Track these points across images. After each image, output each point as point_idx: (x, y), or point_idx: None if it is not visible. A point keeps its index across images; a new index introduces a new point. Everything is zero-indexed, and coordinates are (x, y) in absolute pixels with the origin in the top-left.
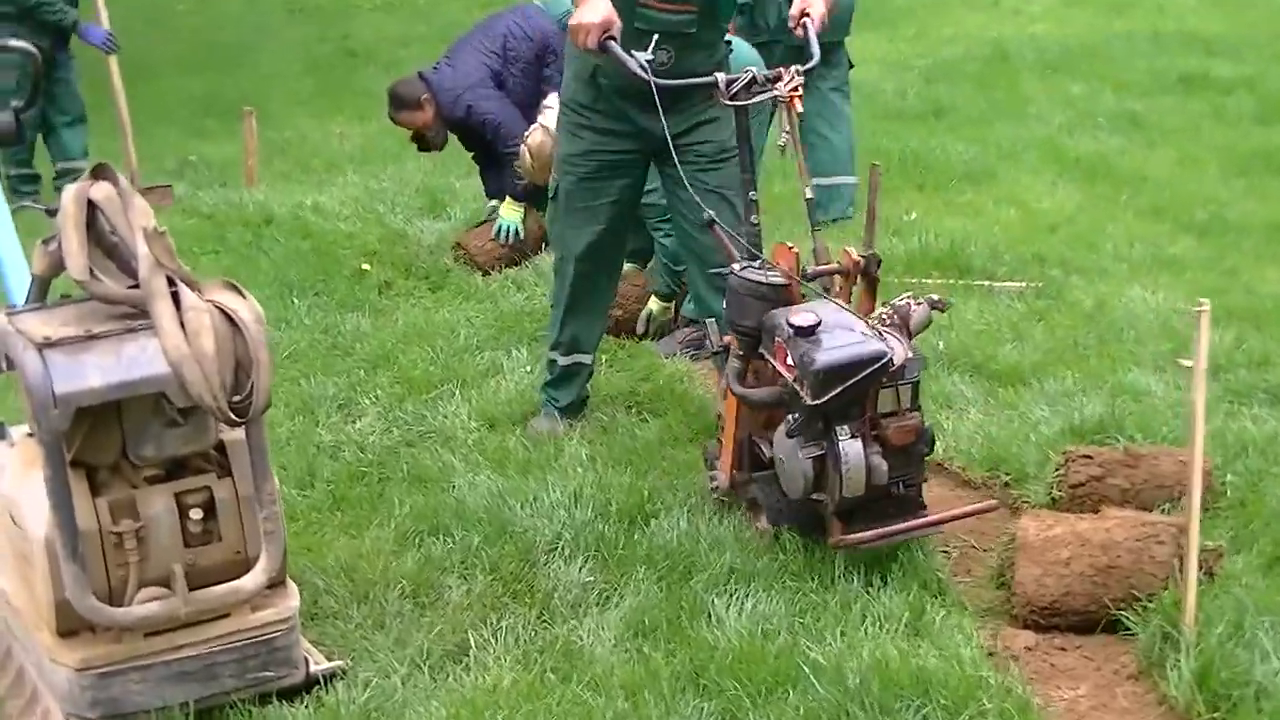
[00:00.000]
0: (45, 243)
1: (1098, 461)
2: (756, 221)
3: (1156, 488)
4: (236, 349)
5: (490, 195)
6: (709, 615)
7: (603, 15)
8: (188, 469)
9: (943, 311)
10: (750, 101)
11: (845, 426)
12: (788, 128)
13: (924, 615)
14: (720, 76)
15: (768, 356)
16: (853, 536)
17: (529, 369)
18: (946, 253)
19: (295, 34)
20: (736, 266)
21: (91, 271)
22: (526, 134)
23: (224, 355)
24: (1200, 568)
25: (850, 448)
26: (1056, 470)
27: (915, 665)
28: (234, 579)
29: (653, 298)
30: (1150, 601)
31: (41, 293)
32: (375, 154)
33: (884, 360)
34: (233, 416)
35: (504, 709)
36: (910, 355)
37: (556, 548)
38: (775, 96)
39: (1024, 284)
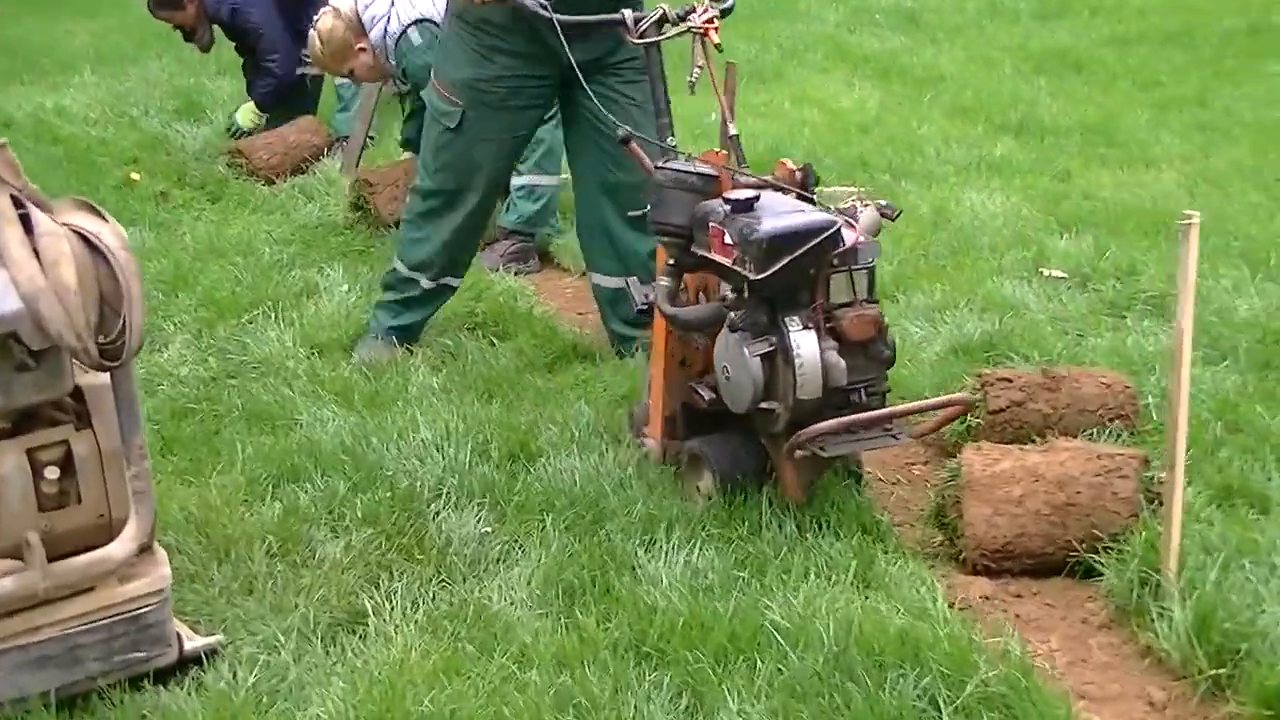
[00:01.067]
0: None
1: (1018, 385)
2: (671, 138)
3: (1080, 412)
4: (101, 280)
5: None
6: (634, 570)
7: None
8: (40, 420)
9: (892, 220)
10: (661, 38)
11: (795, 316)
12: (700, 62)
13: (873, 565)
14: (628, 14)
15: (700, 251)
16: (814, 428)
17: (346, 288)
18: (764, 158)
19: None
20: (660, 162)
21: None
22: (316, 17)
23: (87, 287)
24: (1151, 501)
25: (803, 339)
26: (975, 394)
27: (896, 627)
28: (97, 546)
29: None
30: (1117, 543)
31: None
32: (110, 53)
33: (833, 230)
34: (102, 360)
35: (421, 687)
36: (863, 240)
37: (441, 494)
38: (689, 29)
39: (856, 189)
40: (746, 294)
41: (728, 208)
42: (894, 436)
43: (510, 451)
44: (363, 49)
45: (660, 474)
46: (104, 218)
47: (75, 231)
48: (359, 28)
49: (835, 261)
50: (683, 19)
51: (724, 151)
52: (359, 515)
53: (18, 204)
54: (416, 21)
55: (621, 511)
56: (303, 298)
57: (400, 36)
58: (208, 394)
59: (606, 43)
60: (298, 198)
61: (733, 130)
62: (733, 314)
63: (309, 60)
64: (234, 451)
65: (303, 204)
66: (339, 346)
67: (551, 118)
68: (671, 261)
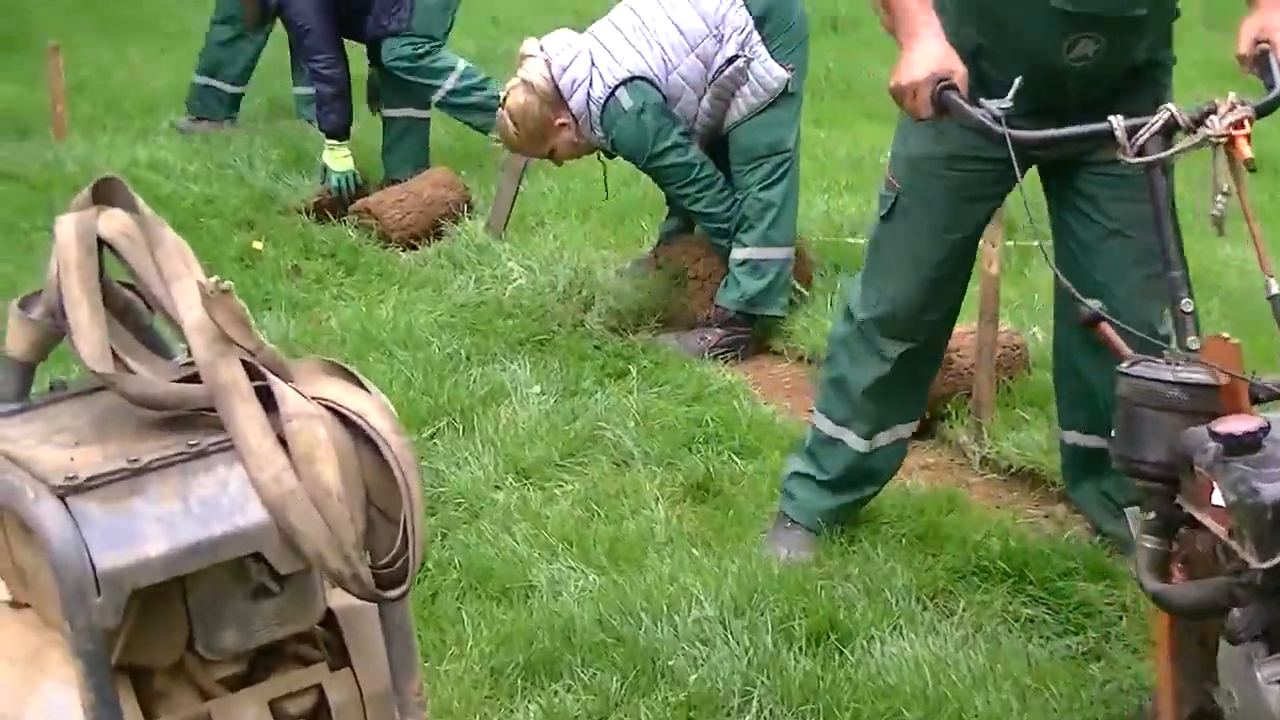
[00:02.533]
0: (24, 305)
1: None
2: (1190, 306)
3: None
4: (367, 477)
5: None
6: None
7: (932, 66)
8: (283, 658)
9: None
10: (1171, 154)
11: None
12: (1226, 187)
13: None
14: (1117, 123)
15: (1189, 506)
16: None
17: (539, 390)
18: None
19: None
20: (1126, 363)
21: (115, 355)
22: (504, 90)
23: (352, 489)
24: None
25: None
26: None
27: None
28: None
29: None
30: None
31: (24, 385)
32: None
33: None
34: (377, 591)
35: None
36: None
37: (751, 699)
38: (1209, 140)
39: None
40: (1252, 585)
41: (1218, 445)
42: None
43: (816, 630)
44: (564, 124)
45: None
46: (364, 386)
47: (331, 409)
48: (557, 99)
49: None
50: (1198, 123)
51: (1233, 339)
52: None
53: (253, 373)
54: (626, 81)
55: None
56: (490, 405)
57: (608, 100)
58: None
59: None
60: (445, 268)
61: (1275, 288)
62: (1234, 613)
63: (496, 141)
64: (462, 628)
65: (453, 276)
66: (549, 469)
67: (780, 179)
68: (1152, 515)
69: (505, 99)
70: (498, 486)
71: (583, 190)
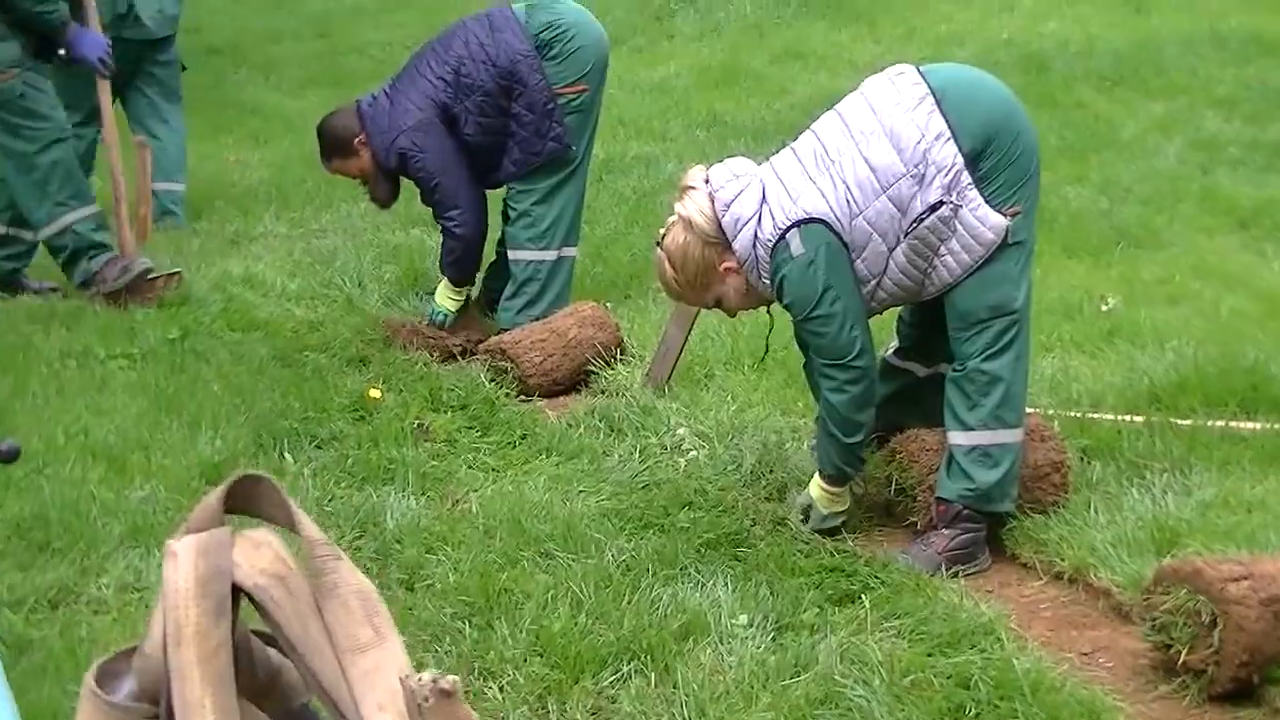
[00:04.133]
0: (104, 678)
1: None
2: None
3: None
4: None
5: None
6: None
7: None
8: None
9: None
10: None
11: None
12: None
13: None
14: None
15: None
16: None
17: (745, 621)
18: (1215, 378)
19: None
20: None
21: None
22: (663, 230)
23: None
24: None
25: None
26: None
27: None
28: None
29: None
30: None
31: None
32: (294, 191)
33: None
34: None
35: None
36: None
37: None
38: None
39: None
40: None
41: None
42: None
43: None
44: (730, 268)
45: None
46: None
47: None
48: (722, 239)
49: None
50: None
51: None
52: None
53: None
54: (800, 222)
55: None
56: (686, 641)
57: (777, 243)
58: None
59: None
60: (601, 431)
61: None
62: None
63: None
64: None
65: (612, 443)
66: None
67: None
68: None
69: (663, 238)
70: None
71: (757, 333)
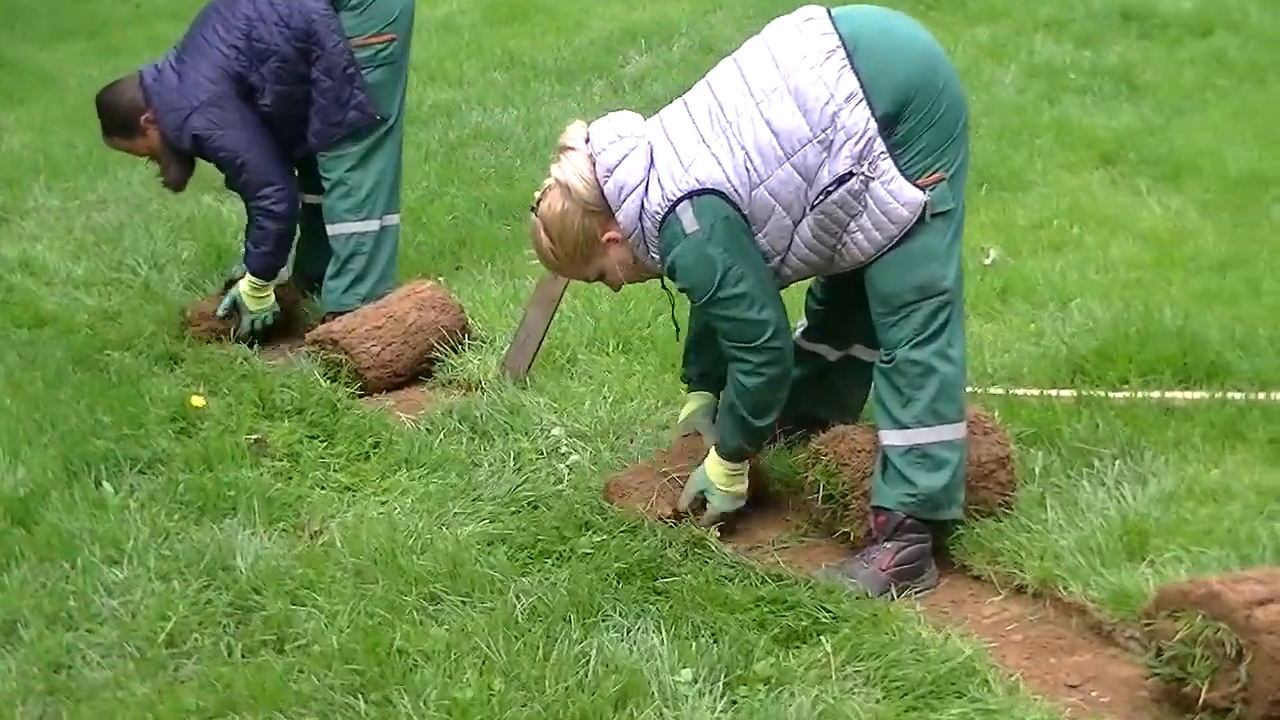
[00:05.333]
0: None
1: None
2: None
3: None
4: None
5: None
6: None
7: None
8: None
9: None
10: None
11: None
12: None
13: None
14: None
15: None
16: None
17: (693, 678)
18: (1113, 337)
19: None
20: None
21: None
22: (538, 194)
23: None
24: None
25: None
26: None
27: None
28: None
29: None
30: None
31: None
32: (64, 159)
33: None
34: None
35: None
36: None
37: None
38: None
39: None
40: None
41: None
42: None
43: None
44: (614, 238)
45: None
46: None
47: None
48: (604, 208)
49: None
50: None
51: None
52: None
53: None
54: (692, 193)
55: None
56: (624, 711)
57: (666, 215)
58: None
59: None
60: (463, 435)
61: None
62: None
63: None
64: None
65: (480, 448)
66: None
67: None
68: None
69: (538, 203)
70: None
71: (619, 310)
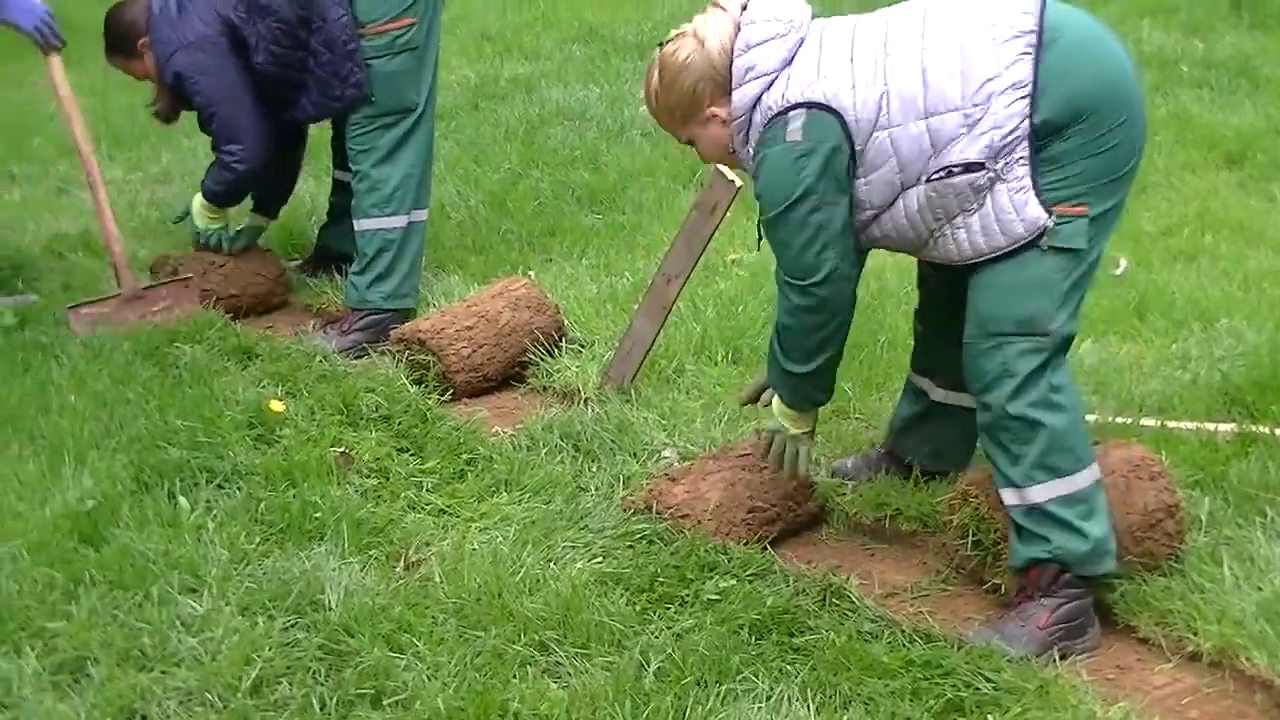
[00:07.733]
0: None
1: None
2: None
3: None
4: None
5: None
6: None
7: None
8: None
9: None
10: None
11: None
12: None
13: None
14: None
15: None
16: None
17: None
18: None
19: None
20: None
21: None
22: (674, 32)
23: None
24: None
25: None
26: None
27: None
28: None
29: None
30: None
31: None
32: (121, 122)
33: None
34: None
35: None
36: None
37: None
38: None
39: None
40: None
41: None
42: None
43: None
44: (717, 115)
45: None
46: None
47: None
48: (724, 78)
49: None
50: None
51: None
52: None
53: None
54: (807, 105)
55: None
56: None
57: (775, 117)
58: None
59: None
60: (565, 453)
61: None
62: None
63: None
64: None
65: (585, 469)
66: None
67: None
68: None
69: (667, 42)
70: None
71: (726, 315)
